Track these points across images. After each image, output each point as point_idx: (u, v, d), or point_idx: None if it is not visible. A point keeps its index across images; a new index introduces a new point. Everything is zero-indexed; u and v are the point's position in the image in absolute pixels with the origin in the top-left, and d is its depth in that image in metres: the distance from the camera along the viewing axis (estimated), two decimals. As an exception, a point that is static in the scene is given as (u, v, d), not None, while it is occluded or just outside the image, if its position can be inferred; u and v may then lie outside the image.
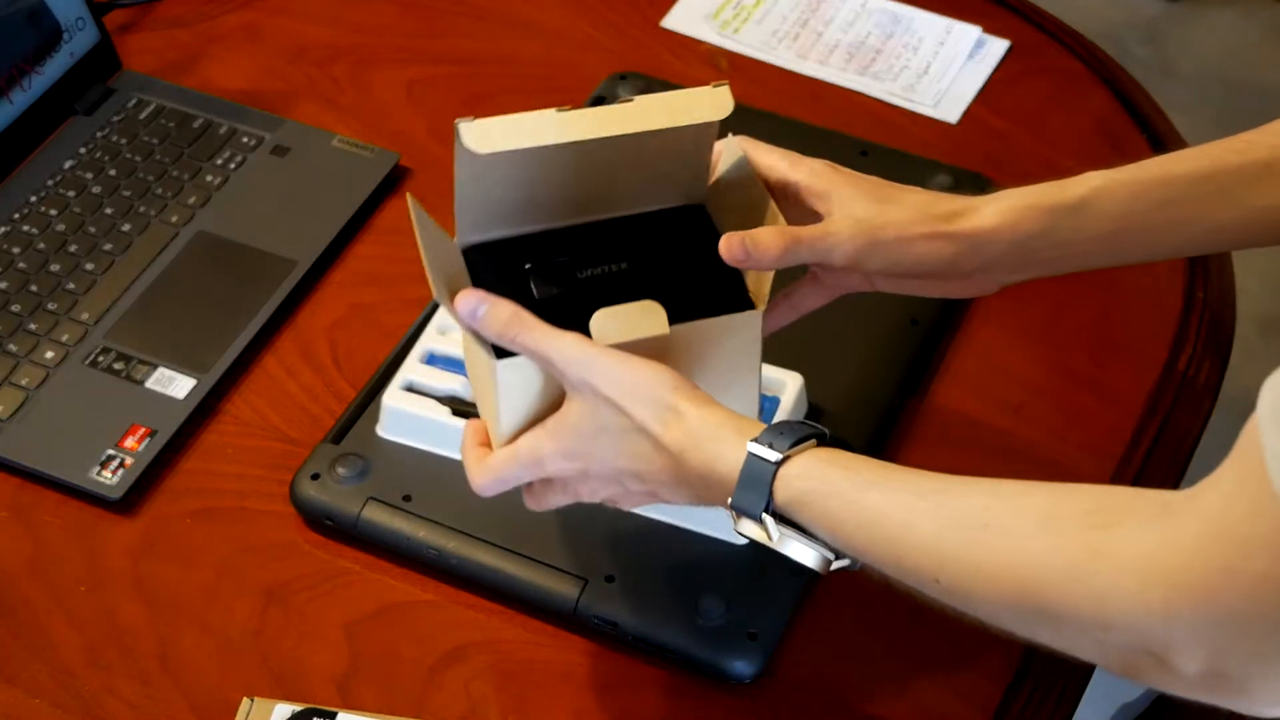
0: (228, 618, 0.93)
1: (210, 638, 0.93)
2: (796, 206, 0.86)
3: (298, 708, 0.88)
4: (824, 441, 0.76)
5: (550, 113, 0.79)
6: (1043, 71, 1.30)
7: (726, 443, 0.75)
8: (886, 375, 1.04)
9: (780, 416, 0.97)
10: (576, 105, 0.82)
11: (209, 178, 1.17)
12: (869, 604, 0.92)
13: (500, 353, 0.79)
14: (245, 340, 1.06)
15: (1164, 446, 1.03)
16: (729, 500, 0.75)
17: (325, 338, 1.09)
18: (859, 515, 0.72)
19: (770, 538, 0.75)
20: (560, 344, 0.77)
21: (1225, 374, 1.10)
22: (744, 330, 0.82)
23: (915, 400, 1.05)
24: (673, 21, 1.33)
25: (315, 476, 0.97)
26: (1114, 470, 1.01)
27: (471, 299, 0.78)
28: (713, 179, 0.86)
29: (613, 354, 0.78)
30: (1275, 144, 0.83)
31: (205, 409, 1.03)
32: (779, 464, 0.73)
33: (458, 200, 0.81)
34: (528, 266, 0.83)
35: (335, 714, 0.88)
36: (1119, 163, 1.22)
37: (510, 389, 0.79)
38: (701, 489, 0.77)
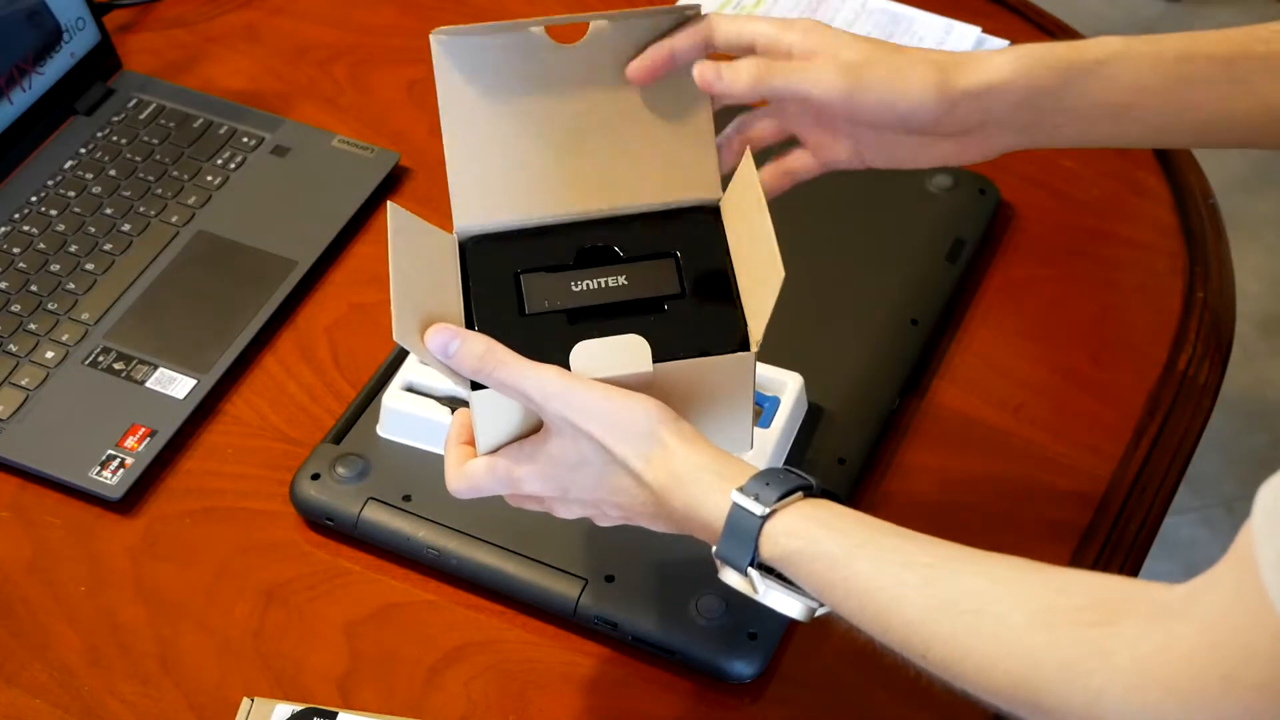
0: (228, 618, 0.93)
1: (210, 638, 0.93)
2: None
3: (298, 708, 0.88)
4: (811, 492, 0.74)
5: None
6: (1043, 71, 1.30)
7: (711, 488, 0.73)
8: (886, 375, 1.04)
9: (780, 416, 0.97)
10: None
11: (209, 178, 1.17)
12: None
13: (476, 383, 0.77)
14: (245, 340, 1.06)
15: (1164, 446, 1.03)
16: (713, 549, 0.74)
17: (325, 338, 1.09)
18: (848, 582, 0.70)
19: (755, 590, 0.73)
20: (538, 378, 0.75)
21: (1225, 374, 1.10)
22: (734, 370, 0.79)
23: (915, 400, 1.05)
24: (673, 21, 1.33)
25: (315, 476, 0.97)
26: (1114, 470, 1.01)
27: (442, 335, 0.75)
28: (727, 191, 0.84)
29: (594, 386, 0.75)
30: None
31: (205, 409, 1.03)
32: (765, 518, 0.72)
33: (448, 157, 0.80)
34: (519, 273, 0.81)
35: (335, 714, 0.88)
36: (1119, 165, 1.22)
37: (487, 417, 0.77)
38: (683, 527, 0.76)
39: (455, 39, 0.80)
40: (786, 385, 0.98)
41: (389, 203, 0.78)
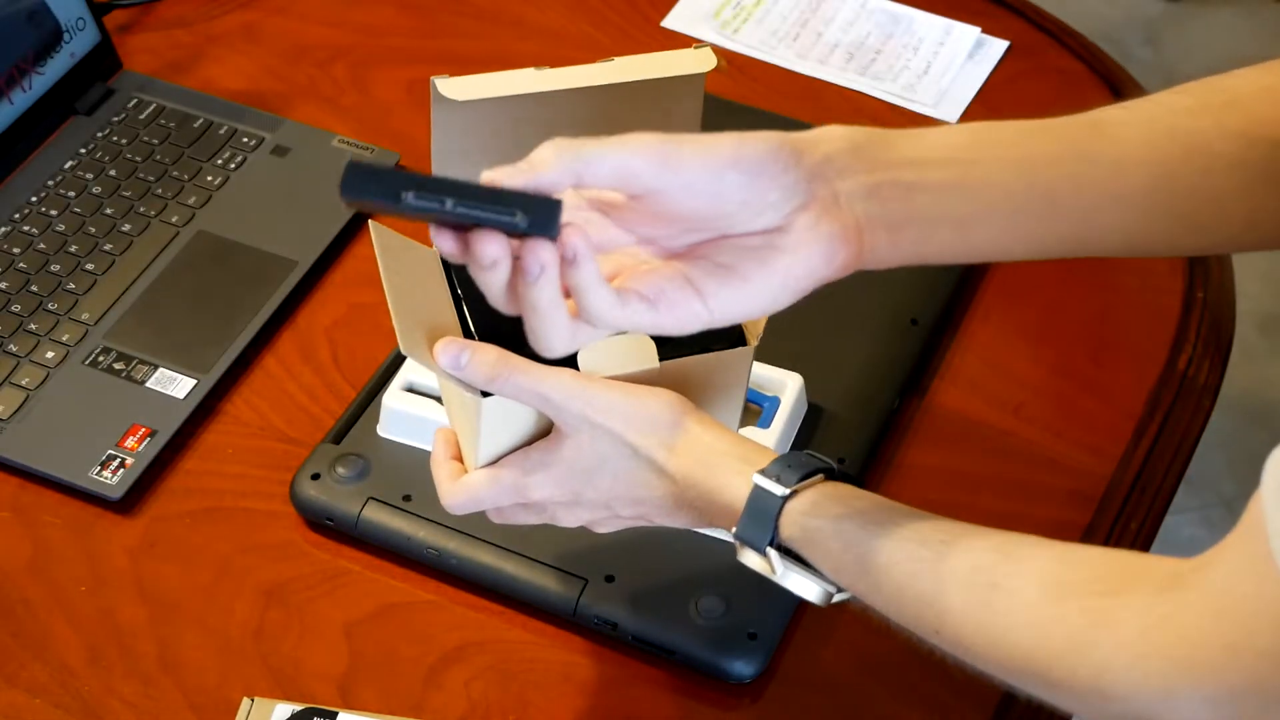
0: (228, 618, 0.93)
1: (210, 638, 0.93)
2: None
3: (298, 708, 0.88)
4: (832, 475, 0.75)
5: (528, 70, 0.79)
6: (1042, 71, 1.30)
7: (734, 472, 0.75)
8: (886, 375, 1.04)
9: (780, 417, 0.97)
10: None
11: (209, 178, 1.17)
12: (869, 604, 0.92)
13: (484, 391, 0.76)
14: (245, 340, 1.06)
15: (1164, 446, 1.03)
16: (733, 530, 0.75)
17: (325, 338, 1.09)
18: (863, 560, 0.71)
19: (774, 571, 0.74)
20: (556, 380, 0.75)
21: (1225, 374, 1.10)
22: (735, 364, 0.81)
23: (915, 400, 1.05)
24: (673, 21, 1.33)
25: (315, 476, 0.97)
26: (1114, 470, 1.01)
27: (452, 349, 0.75)
28: None
29: (611, 385, 0.76)
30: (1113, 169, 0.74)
31: (205, 409, 1.03)
32: (785, 499, 0.73)
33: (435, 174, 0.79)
34: None
35: (335, 714, 0.88)
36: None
37: (494, 424, 0.77)
38: (703, 514, 0.77)
39: (458, 96, 0.78)
40: (786, 385, 0.98)
41: (371, 222, 0.78)
